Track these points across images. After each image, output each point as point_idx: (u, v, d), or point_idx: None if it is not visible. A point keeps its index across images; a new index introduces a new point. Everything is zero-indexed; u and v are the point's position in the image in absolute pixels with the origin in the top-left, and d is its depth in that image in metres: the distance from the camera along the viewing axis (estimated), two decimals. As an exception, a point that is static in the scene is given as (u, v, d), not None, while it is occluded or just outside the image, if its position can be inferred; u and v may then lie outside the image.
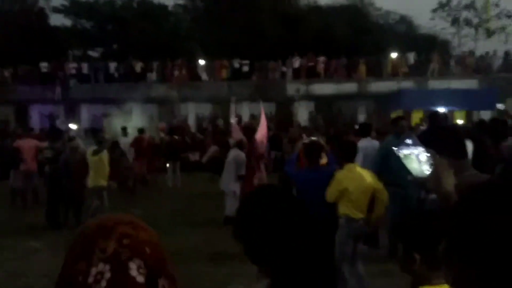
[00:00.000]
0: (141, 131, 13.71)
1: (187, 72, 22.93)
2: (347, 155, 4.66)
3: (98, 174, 8.23)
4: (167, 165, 13.47)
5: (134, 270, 0.78)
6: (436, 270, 1.59)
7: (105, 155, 8.39)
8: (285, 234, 1.30)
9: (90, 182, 8.26)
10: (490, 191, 0.81)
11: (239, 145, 8.62)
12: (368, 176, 4.61)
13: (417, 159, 1.73)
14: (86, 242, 0.80)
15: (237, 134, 9.33)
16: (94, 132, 13.15)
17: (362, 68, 22.87)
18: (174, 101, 22.40)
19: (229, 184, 8.34)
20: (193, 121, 23.06)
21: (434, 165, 1.67)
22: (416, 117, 19.71)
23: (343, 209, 4.45)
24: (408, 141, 1.79)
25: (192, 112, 23.41)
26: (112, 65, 22.84)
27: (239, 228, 1.36)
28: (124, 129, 14.26)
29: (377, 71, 23.22)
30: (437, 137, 1.92)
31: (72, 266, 0.78)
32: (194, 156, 15.74)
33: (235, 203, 7.58)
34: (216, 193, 9.20)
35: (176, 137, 14.72)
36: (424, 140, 1.85)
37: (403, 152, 1.76)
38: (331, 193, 4.40)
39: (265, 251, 1.31)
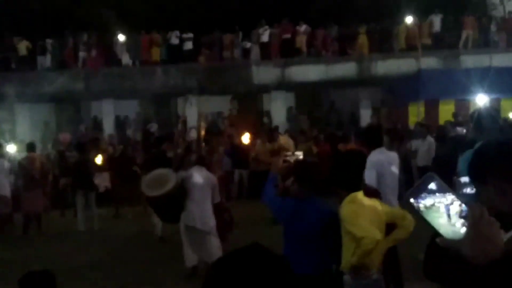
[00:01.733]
0: (31, 147, 13.64)
1: (99, 54, 22.49)
2: (348, 178, 4.76)
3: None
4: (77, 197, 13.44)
5: None
6: None
7: None
8: None
9: None
10: None
11: (201, 161, 9.06)
12: (379, 207, 4.75)
13: (446, 212, 1.76)
14: None
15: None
16: None
17: (363, 41, 22.90)
18: (80, 98, 22.28)
19: (208, 218, 8.71)
20: (111, 127, 22.82)
21: (475, 218, 1.69)
22: (445, 110, 20.19)
23: (349, 259, 4.56)
24: (432, 184, 1.77)
25: (109, 114, 23.17)
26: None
27: None
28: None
29: (385, 44, 23.38)
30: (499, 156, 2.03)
31: None
32: (101, 181, 15.16)
33: (218, 245, 8.45)
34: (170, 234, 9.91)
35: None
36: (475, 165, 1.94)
37: (424, 203, 1.76)
38: (371, 233, 4.46)
39: None
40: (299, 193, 4.91)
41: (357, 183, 4.76)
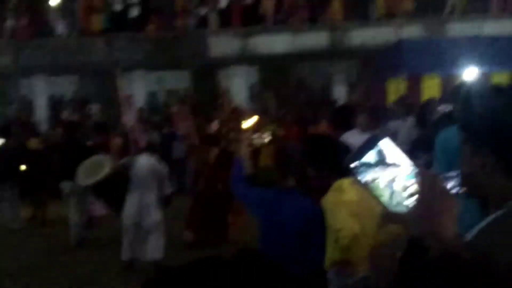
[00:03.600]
0: None
1: (29, 22, 21.98)
2: (328, 163, 4.89)
3: None
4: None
5: None
6: None
7: None
8: None
9: None
10: None
11: (151, 148, 9.51)
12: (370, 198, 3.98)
13: (389, 187, 1.75)
14: None
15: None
16: None
17: (336, 6, 22.62)
18: (8, 73, 21.60)
19: (151, 213, 8.96)
20: (43, 108, 22.45)
21: (425, 187, 1.69)
22: (429, 86, 19.77)
23: (333, 255, 4.64)
24: (375, 150, 1.74)
25: (42, 92, 22.85)
26: None
27: None
28: None
29: (361, 10, 23.03)
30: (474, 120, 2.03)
31: None
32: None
33: (159, 243, 8.92)
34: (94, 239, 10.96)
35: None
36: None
37: (364, 177, 1.76)
38: (347, 225, 4.54)
39: None
40: (281, 183, 5.01)
41: (339, 169, 4.82)
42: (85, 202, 11.27)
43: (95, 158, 9.29)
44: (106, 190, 8.89)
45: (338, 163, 4.81)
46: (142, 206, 8.94)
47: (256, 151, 13.73)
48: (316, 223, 4.73)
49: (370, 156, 1.71)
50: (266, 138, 6.20)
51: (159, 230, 9.01)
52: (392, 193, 1.70)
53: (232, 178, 5.42)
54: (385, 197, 1.72)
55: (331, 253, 4.67)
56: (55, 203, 13.07)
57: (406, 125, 13.03)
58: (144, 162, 9.01)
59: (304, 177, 4.98)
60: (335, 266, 4.68)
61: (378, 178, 1.71)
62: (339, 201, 4.67)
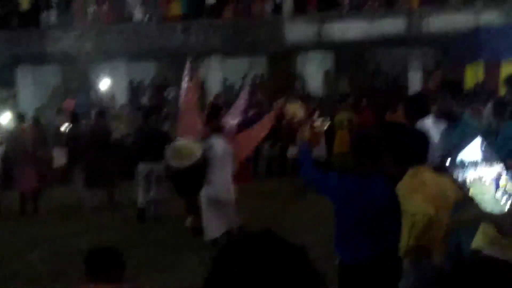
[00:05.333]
0: (20, 117, 14.32)
1: (109, 8, 22.24)
2: (404, 149, 5.05)
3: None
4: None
5: None
6: None
7: None
8: None
9: None
10: None
11: (218, 129, 9.64)
12: (447, 184, 4.55)
13: (495, 186, 1.85)
14: None
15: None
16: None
17: None
18: (90, 59, 21.78)
19: (230, 189, 9.51)
20: (124, 93, 22.65)
21: None
22: (508, 72, 19.01)
23: (406, 241, 4.68)
24: (476, 150, 1.82)
25: (121, 77, 22.85)
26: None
27: None
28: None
29: None
30: None
31: None
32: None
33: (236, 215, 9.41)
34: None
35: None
36: None
37: (468, 176, 1.85)
38: (423, 210, 4.63)
39: None
40: (358, 169, 4.92)
41: (419, 155, 4.98)
42: (154, 184, 11.70)
43: (184, 141, 9.48)
44: (191, 174, 9.02)
45: (415, 150, 5.03)
46: (222, 183, 9.26)
47: (330, 136, 14.03)
48: (393, 209, 4.73)
49: (468, 154, 1.82)
50: (326, 124, 6.23)
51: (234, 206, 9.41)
52: (496, 191, 1.80)
53: (300, 164, 5.33)
54: (488, 195, 1.80)
55: (406, 241, 4.69)
56: (128, 184, 13.34)
57: (485, 113, 12.57)
58: (220, 143, 9.35)
59: (381, 163, 4.92)
60: (411, 253, 4.73)
61: (481, 176, 1.80)
62: (414, 186, 4.72)
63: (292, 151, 14.61)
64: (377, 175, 4.85)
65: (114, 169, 13.37)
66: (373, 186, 4.77)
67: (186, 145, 9.28)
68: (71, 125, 14.57)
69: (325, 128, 6.33)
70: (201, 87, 18.96)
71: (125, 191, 13.14)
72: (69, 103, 18.35)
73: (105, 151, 13.17)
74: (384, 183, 4.84)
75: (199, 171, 9.02)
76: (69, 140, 14.16)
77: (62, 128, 15.16)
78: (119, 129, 17.21)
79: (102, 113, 14.49)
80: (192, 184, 9.26)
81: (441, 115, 6.65)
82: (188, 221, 10.59)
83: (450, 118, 6.01)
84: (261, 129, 10.79)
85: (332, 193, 5.07)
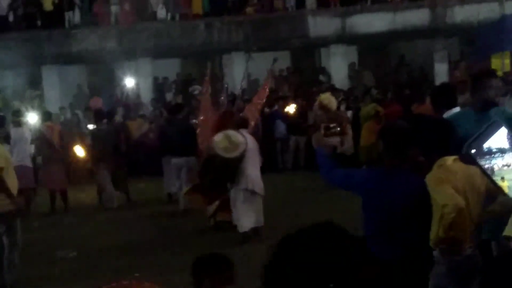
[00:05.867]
0: (47, 116, 14.31)
1: (131, 7, 22.21)
2: (433, 141, 4.92)
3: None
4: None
5: None
6: None
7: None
8: None
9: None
10: None
11: (244, 124, 10.01)
12: (476, 174, 4.44)
13: None
14: None
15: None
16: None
17: None
18: (114, 57, 21.82)
19: (261, 182, 9.79)
20: (148, 90, 22.64)
21: None
22: None
23: (438, 233, 4.57)
24: (498, 136, 1.74)
25: (147, 75, 22.89)
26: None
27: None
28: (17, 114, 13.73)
29: None
30: None
31: None
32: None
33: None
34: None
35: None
36: None
37: (496, 162, 1.76)
38: (453, 201, 4.51)
39: None
40: (385, 162, 4.90)
41: (444, 146, 4.85)
42: (185, 176, 11.89)
43: (230, 132, 9.55)
44: (234, 165, 9.31)
45: (443, 141, 4.97)
46: (255, 176, 9.62)
47: (357, 129, 14.05)
48: (423, 202, 4.68)
49: (492, 142, 1.75)
50: (338, 128, 5.96)
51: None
52: None
53: (321, 169, 5.29)
54: None
55: (436, 232, 4.61)
56: (156, 181, 13.57)
57: (511, 103, 12.34)
58: (249, 137, 9.73)
59: (409, 155, 4.91)
60: (441, 244, 4.64)
61: (509, 163, 1.75)
62: (444, 177, 4.64)
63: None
64: (405, 169, 4.83)
65: (126, 170, 13.88)
66: (401, 181, 4.76)
67: (234, 136, 9.45)
68: (95, 124, 14.70)
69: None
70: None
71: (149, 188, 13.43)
72: (96, 101, 18.61)
73: (121, 153, 13.54)
74: (413, 177, 4.82)
75: (239, 162, 9.33)
76: (93, 140, 14.27)
77: (90, 127, 15.38)
78: (143, 128, 17.36)
79: (125, 113, 14.87)
80: (231, 174, 9.50)
81: (482, 105, 6.35)
82: (211, 219, 10.67)
83: (487, 107, 5.82)
84: (258, 98, 11.79)
85: (359, 189, 5.06)
